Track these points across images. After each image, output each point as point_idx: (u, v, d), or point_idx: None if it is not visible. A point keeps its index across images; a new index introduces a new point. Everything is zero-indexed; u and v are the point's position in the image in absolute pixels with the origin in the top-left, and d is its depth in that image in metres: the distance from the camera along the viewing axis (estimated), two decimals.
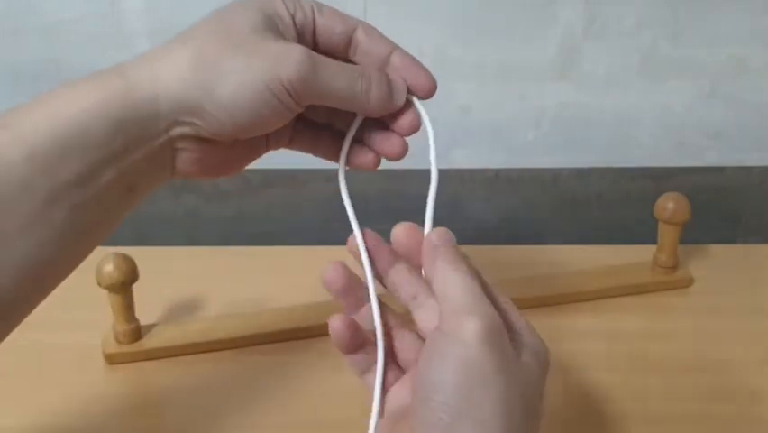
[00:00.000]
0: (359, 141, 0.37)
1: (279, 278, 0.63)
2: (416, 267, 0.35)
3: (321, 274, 0.35)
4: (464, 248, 0.62)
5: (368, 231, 0.36)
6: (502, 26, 0.66)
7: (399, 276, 0.35)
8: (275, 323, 0.56)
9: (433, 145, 0.36)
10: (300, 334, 0.56)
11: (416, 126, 0.36)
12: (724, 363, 0.53)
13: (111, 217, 0.33)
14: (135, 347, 0.54)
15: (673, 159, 0.72)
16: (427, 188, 0.36)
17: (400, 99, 0.36)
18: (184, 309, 0.60)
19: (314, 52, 0.32)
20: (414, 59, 0.36)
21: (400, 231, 0.35)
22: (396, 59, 0.36)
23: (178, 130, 0.32)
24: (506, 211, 0.75)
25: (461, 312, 0.30)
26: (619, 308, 0.59)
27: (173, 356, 0.55)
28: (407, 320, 0.36)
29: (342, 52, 0.35)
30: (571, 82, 0.68)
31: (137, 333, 0.54)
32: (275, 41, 0.32)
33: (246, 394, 0.51)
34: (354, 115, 0.37)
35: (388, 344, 0.35)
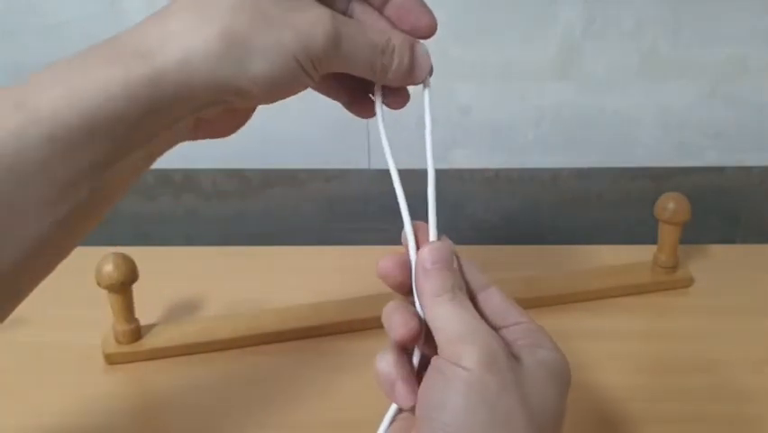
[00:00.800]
0: (370, 89, 0.37)
1: (279, 278, 0.63)
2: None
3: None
4: (464, 248, 0.62)
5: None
6: (502, 26, 0.66)
7: None
8: (275, 323, 0.56)
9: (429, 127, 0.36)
10: (300, 334, 0.56)
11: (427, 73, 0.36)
12: (724, 363, 0.53)
13: (124, 187, 0.32)
14: (135, 347, 0.54)
15: (673, 159, 0.72)
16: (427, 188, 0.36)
17: (421, 77, 0.35)
18: (184, 309, 0.60)
19: (339, 18, 0.32)
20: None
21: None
22: None
23: (211, 109, 0.32)
24: (506, 211, 0.75)
25: (457, 342, 0.30)
26: (619, 308, 0.59)
27: (173, 356, 0.55)
28: None
29: None
30: (571, 82, 0.68)
31: (137, 333, 0.54)
32: (301, 9, 0.31)
33: (246, 394, 0.51)
34: None
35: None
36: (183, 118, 0.31)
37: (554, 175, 0.73)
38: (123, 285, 0.51)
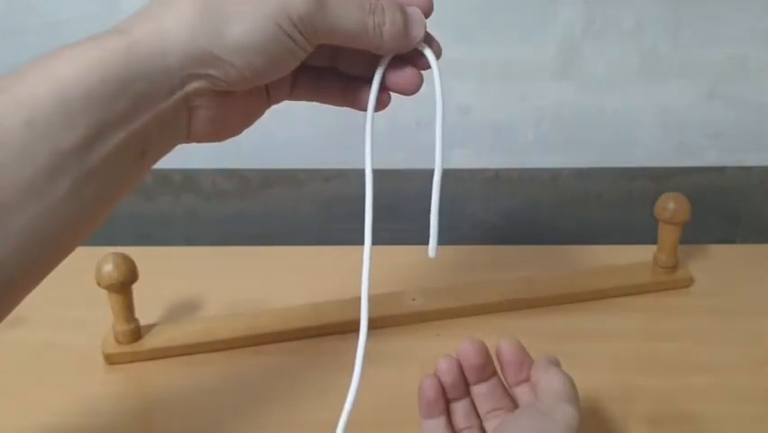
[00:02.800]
0: (367, 80, 0.35)
1: (279, 278, 0.63)
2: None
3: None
4: (464, 248, 0.63)
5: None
6: (502, 26, 0.66)
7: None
8: (275, 323, 0.56)
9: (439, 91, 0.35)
10: (300, 334, 0.56)
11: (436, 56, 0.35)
12: (724, 363, 0.53)
13: (120, 186, 0.30)
14: (135, 347, 0.54)
15: (673, 159, 0.72)
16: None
17: (419, 34, 0.34)
18: (184, 309, 0.60)
19: None
20: None
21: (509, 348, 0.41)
22: None
23: (193, 85, 0.30)
24: (506, 211, 0.75)
25: (562, 399, 0.35)
26: (619, 308, 0.59)
27: (173, 356, 0.55)
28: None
29: None
30: (571, 82, 0.68)
31: (137, 333, 0.54)
32: None
33: (246, 394, 0.51)
34: (361, 54, 0.34)
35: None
36: (167, 98, 0.30)
37: (554, 175, 0.73)
38: (123, 285, 0.51)
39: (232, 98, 0.32)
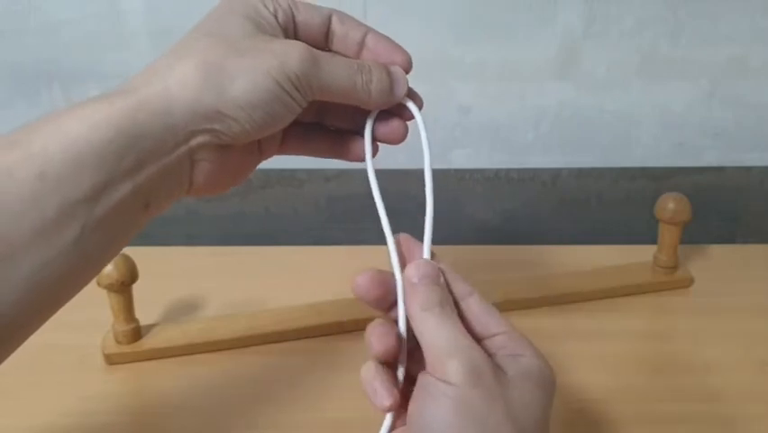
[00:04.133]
0: (356, 132, 0.38)
1: (279, 278, 0.63)
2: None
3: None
4: (464, 248, 0.63)
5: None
6: (502, 26, 0.66)
7: None
8: (275, 323, 0.56)
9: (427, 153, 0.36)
10: (300, 334, 0.56)
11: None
12: (724, 363, 0.53)
13: (122, 236, 0.31)
14: (135, 347, 0.54)
15: (673, 159, 0.72)
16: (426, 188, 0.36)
17: (401, 90, 0.36)
18: (184, 309, 0.60)
19: (312, 48, 0.33)
20: (388, 39, 0.37)
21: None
22: (370, 41, 0.36)
23: (198, 139, 0.32)
24: (506, 211, 0.75)
25: (443, 356, 0.30)
26: (619, 308, 0.59)
27: (173, 356, 0.55)
28: None
29: (322, 43, 0.36)
30: (571, 82, 0.68)
31: (137, 333, 0.54)
32: (273, 40, 0.33)
33: (246, 394, 0.51)
34: (346, 110, 0.37)
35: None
36: (172, 152, 0.31)
37: (554, 175, 0.73)
38: (123, 285, 0.51)
39: (230, 152, 0.34)
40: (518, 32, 0.66)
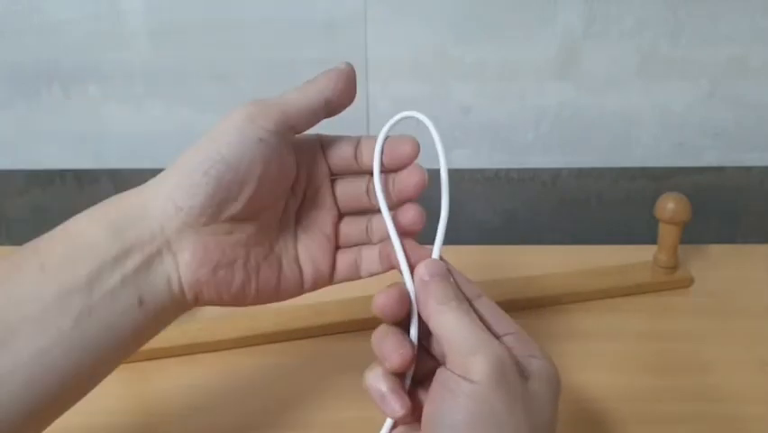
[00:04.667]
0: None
1: None
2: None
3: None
4: (464, 248, 0.63)
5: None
6: (502, 26, 0.66)
7: None
8: (275, 323, 0.56)
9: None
10: (300, 334, 0.56)
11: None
12: (724, 363, 0.53)
13: (118, 329, 0.32)
14: None
15: (673, 159, 0.72)
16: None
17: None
18: None
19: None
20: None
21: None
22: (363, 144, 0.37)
23: (171, 225, 0.33)
24: (506, 211, 0.75)
25: (466, 352, 0.30)
26: (619, 308, 0.59)
27: (173, 356, 0.55)
28: None
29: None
30: (571, 82, 0.68)
31: None
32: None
33: (246, 394, 0.51)
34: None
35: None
36: (151, 242, 0.32)
37: (554, 175, 0.73)
38: None
39: (215, 232, 0.34)
40: (518, 32, 0.66)
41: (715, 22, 0.65)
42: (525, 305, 0.59)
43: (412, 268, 0.34)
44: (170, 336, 0.55)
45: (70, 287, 0.31)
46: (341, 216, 0.38)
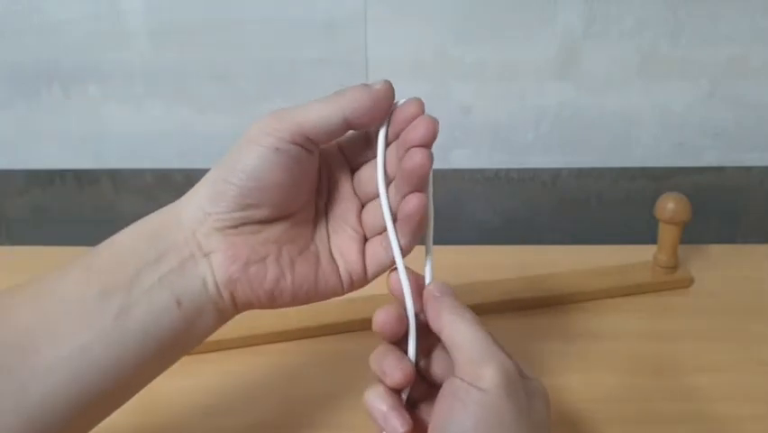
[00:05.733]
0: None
1: None
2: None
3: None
4: (464, 248, 0.63)
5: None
6: (502, 26, 0.66)
7: None
8: (275, 323, 0.56)
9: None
10: (300, 334, 0.56)
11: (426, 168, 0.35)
12: (723, 363, 0.53)
13: (159, 331, 0.33)
14: None
15: (673, 159, 0.72)
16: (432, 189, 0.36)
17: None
18: None
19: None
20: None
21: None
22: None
23: (201, 229, 0.34)
24: (506, 211, 0.75)
25: (478, 361, 0.31)
26: (619, 308, 0.59)
27: None
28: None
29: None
30: (571, 82, 0.68)
31: None
32: None
33: (246, 394, 0.51)
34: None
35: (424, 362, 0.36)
36: (184, 247, 0.34)
37: (554, 175, 0.73)
38: None
39: (246, 231, 0.35)
40: (518, 32, 0.66)
41: (715, 22, 0.65)
42: (525, 305, 0.59)
43: (411, 290, 0.35)
44: None
45: (112, 287, 0.33)
46: (362, 206, 0.38)
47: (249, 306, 0.36)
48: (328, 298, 0.38)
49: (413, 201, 0.34)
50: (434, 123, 0.34)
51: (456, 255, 0.64)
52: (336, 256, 0.38)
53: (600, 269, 0.62)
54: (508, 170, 0.73)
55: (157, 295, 0.33)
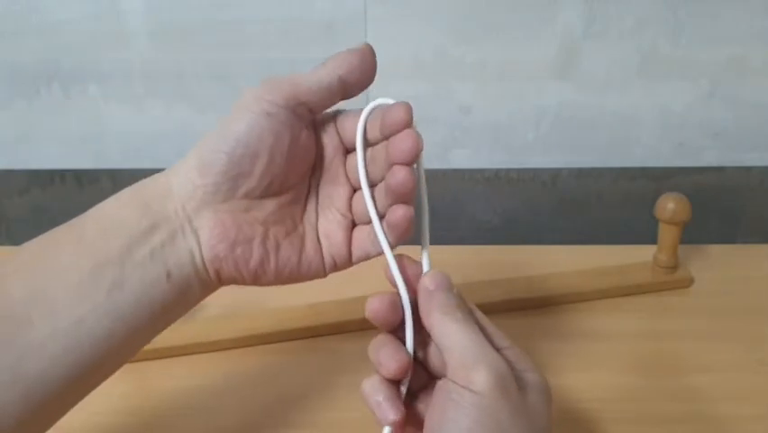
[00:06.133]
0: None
1: None
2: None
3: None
4: (464, 248, 0.62)
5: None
6: (502, 26, 0.66)
7: None
8: (274, 323, 0.56)
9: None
10: (299, 334, 0.56)
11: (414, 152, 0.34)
12: (723, 363, 0.53)
13: (150, 303, 0.34)
14: None
15: (673, 159, 0.72)
16: (430, 188, 0.36)
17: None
18: None
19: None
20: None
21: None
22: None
23: (191, 203, 0.34)
24: (506, 211, 0.75)
25: (469, 365, 0.30)
26: (619, 308, 0.59)
27: (173, 356, 0.55)
28: None
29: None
30: (571, 82, 0.68)
31: None
32: None
33: (246, 394, 0.51)
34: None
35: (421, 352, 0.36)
36: (174, 219, 0.34)
37: (554, 175, 0.73)
38: None
39: (233, 207, 0.35)
40: (518, 32, 0.66)
41: (715, 22, 0.65)
42: (525, 305, 0.59)
43: (407, 280, 0.35)
44: (170, 336, 0.55)
45: (104, 260, 0.33)
46: (354, 191, 0.38)
47: (233, 282, 0.37)
48: (310, 279, 0.38)
49: (398, 212, 0.34)
50: (418, 141, 0.34)
51: (456, 255, 0.64)
52: (322, 238, 0.38)
53: (600, 269, 0.61)
54: (508, 170, 0.73)
55: (148, 268, 0.33)
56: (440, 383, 0.31)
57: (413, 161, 0.34)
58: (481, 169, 0.72)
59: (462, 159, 0.72)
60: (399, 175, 0.33)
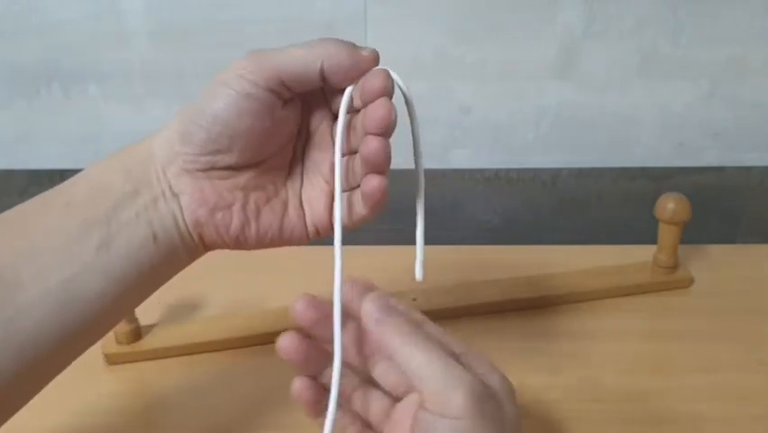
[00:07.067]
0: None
1: (279, 278, 0.63)
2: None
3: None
4: (464, 248, 0.62)
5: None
6: (502, 26, 0.66)
7: (349, 336, 0.36)
8: (275, 323, 0.56)
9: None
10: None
11: (388, 121, 0.33)
12: (724, 363, 0.53)
13: (138, 264, 0.34)
14: (135, 347, 0.54)
15: (673, 159, 0.72)
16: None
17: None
18: (184, 309, 0.60)
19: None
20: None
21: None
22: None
23: (171, 169, 0.34)
24: (506, 211, 0.75)
25: (443, 390, 0.29)
26: (619, 308, 0.59)
27: (173, 356, 0.55)
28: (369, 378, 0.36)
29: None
30: (571, 82, 0.68)
31: (137, 333, 0.54)
32: None
33: (246, 394, 0.51)
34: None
35: (356, 402, 0.36)
36: (156, 184, 0.34)
37: (554, 175, 0.73)
38: None
39: (214, 176, 0.35)
40: (518, 32, 0.66)
41: (715, 22, 0.65)
42: (525, 305, 0.59)
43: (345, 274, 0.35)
44: (170, 336, 0.55)
45: (91, 221, 0.33)
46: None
47: (216, 247, 0.37)
48: (293, 244, 0.38)
49: (372, 182, 0.34)
50: (390, 113, 0.33)
51: (456, 255, 0.64)
52: (305, 204, 0.38)
53: (600, 269, 0.61)
54: (508, 170, 0.72)
55: (135, 229, 0.34)
56: (416, 415, 0.30)
57: (385, 131, 0.33)
58: (481, 169, 0.72)
59: (462, 159, 0.72)
60: (371, 145, 0.33)
